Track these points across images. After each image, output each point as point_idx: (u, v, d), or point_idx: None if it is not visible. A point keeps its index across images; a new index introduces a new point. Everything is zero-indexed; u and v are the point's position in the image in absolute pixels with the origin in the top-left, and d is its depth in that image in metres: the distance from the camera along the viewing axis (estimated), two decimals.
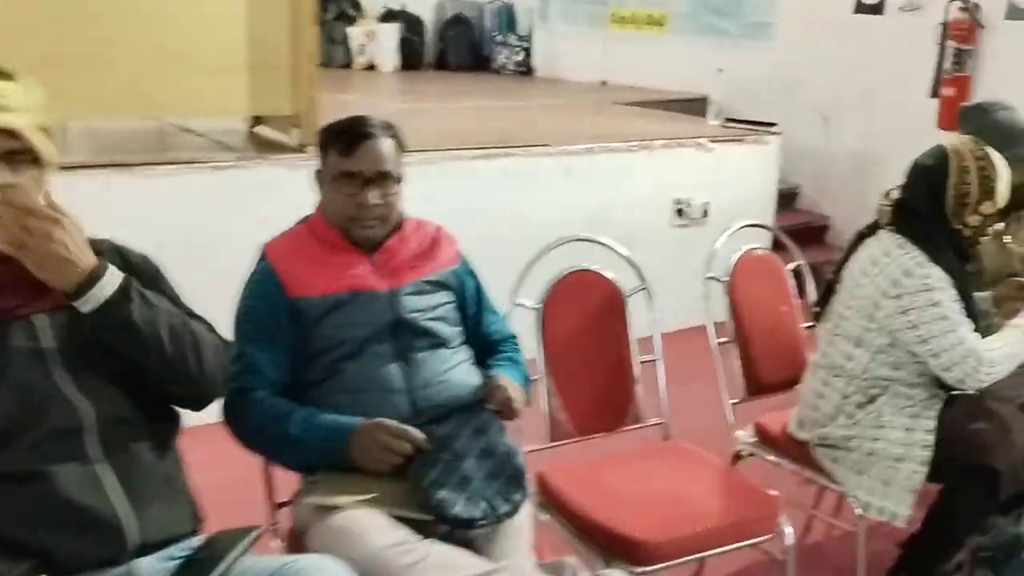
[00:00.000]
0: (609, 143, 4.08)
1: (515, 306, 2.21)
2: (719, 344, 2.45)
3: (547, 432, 2.21)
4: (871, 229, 2.24)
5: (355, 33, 7.75)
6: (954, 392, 2.17)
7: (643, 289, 2.35)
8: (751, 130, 4.62)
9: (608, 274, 2.32)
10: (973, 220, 2.14)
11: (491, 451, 1.70)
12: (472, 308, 1.95)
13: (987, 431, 2.12)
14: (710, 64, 6.43)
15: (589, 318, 2.28)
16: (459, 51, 8.21)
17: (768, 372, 2.47)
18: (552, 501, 2.02)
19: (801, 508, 2.61)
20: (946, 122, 4.89)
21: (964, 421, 2.14)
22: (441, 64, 8.30)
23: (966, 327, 2.08)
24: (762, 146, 4.58)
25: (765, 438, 2.35)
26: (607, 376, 2.28)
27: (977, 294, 2.22)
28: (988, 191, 2.11)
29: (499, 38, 8.07)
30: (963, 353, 2.04)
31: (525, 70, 8.08)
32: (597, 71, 7.38)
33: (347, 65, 7.89)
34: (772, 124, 4.70)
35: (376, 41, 7.73)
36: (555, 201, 3.92)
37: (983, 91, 4.85)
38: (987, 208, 2.13)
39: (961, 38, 4.78)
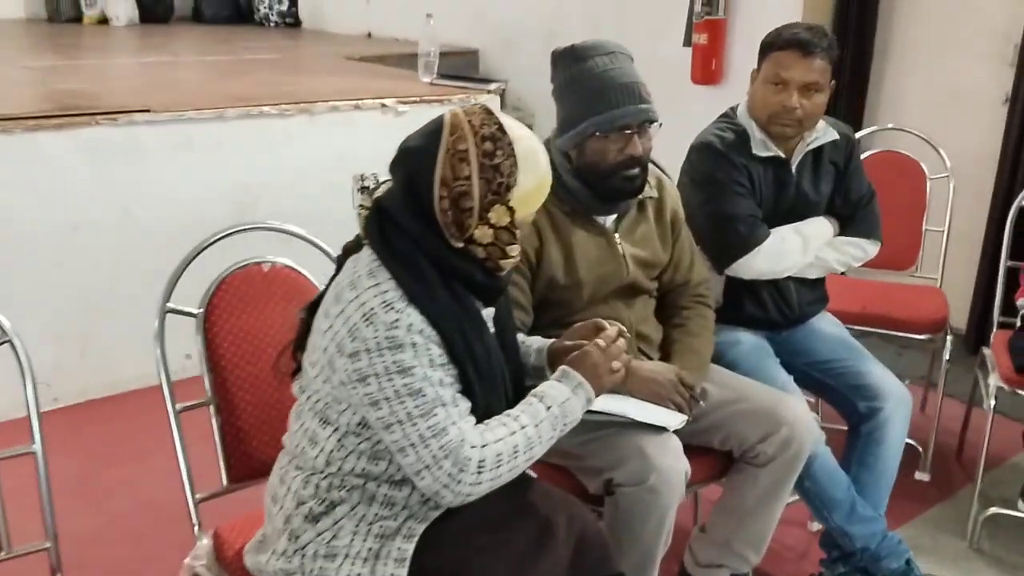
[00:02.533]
0: (249, 107, 3.21)
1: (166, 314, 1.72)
2: None
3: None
4: (358, 242, 1.46)
5: None
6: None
7: None
8: (461, 87, 3.83)
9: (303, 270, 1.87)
10: (482, 234, 1.37)
11: None
12: None
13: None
14: (476, 14, 5.65)
15: (275, 324, 1.78)
16: (215, 1, 7.14)
17: None
18: None
19: None
20: (700, 75, 4.22)
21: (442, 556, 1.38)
22: (197, 16, 7.23)
23: (454, 408, 1.32)
24: None
25: (221, 558, 1.56)
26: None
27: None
28: (496, 190, 1.35)
29: None
30: (439, 450, 1.29)
31: (292, 21, 7.09)
32: (362, 23, 6.48)
33: (77, 19, 6.74)
34: (491, 81, 3.91)
35: None
36: (176, 181, 3.05)
37: (742, 38, 4.18)
38: (498, 216, 1.36)
39: None
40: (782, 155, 2.17)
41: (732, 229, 2.10)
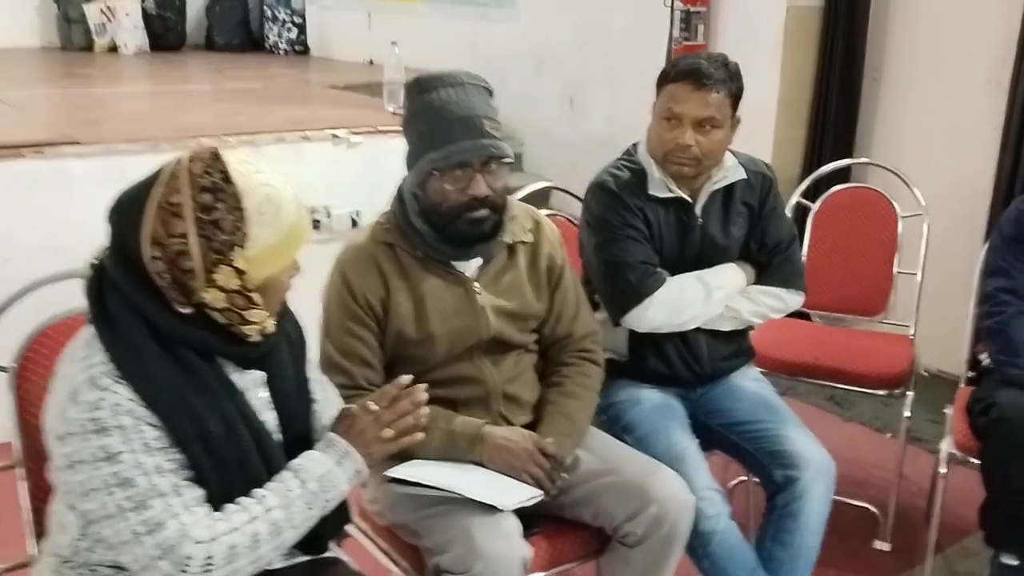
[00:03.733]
0: (186, 138, 3.11)
1: None
2: None
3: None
4: None
5: (91, 10, 6.67)
6: None
7: None
8: None
9: None
10: (213, 298, 1.20)
11: None
12: None
13: None
14: (464, 40, 5.55)
15: None
16: (226, 29, 7.16)
17: None
18: None
19: None
20: None
21: None
22: (210, 44, 7.26)
23: (176, 498, 1.16)
24: None
25: None
26: None
27: None
28: (219, 249, 1.18)
29: (270, 14, 7.05)
30: (154, 548, 1.13)
31: (301, 49, 7.07)
32: (364, 49, 6.42)
33: (89, 47, 6.82)
34: None
35: (116, 19, 6.66)
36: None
37: None
38: (225, 278, 1.18)
39: None
40: (685, 196, 1.97)
41: (622, 277, 1.91)
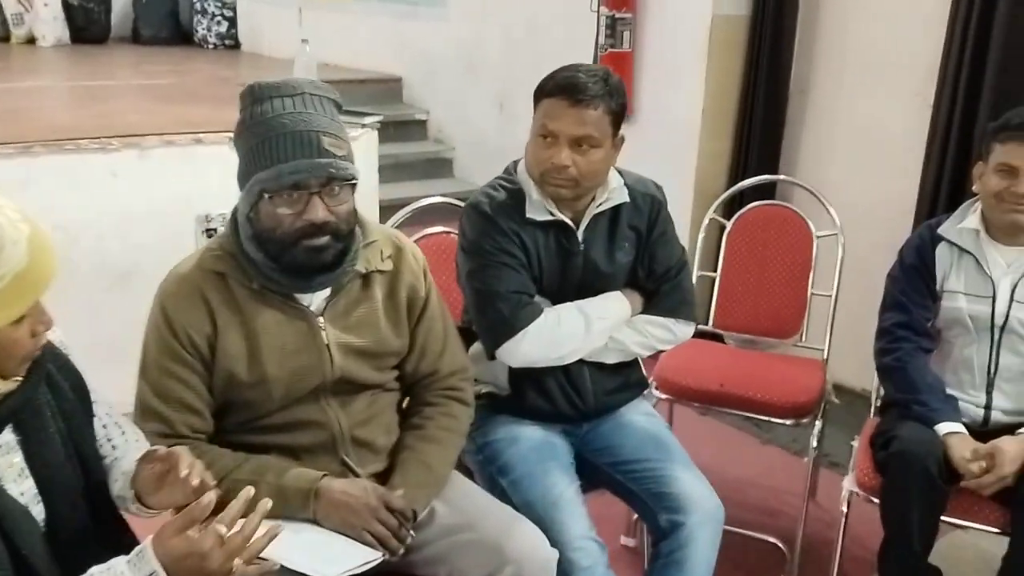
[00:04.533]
0: (63, 141, 2.90)
1: None
2: None
3: None
4: None
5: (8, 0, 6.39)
6: None
7: None
8: None
9: None
10: None
11: None
12: None
13: None
14: (395, 39, 5.39)
15: None
16: (154, 21, 6.91)
17: None
18: None
19: None
20: None
21: None
22: (136, 37, 7.00)
23: None
24: None
25: None
26: None
27: None
28: None
29: (200, 7, 6.80)
30: None
31: (232, 44, 6.85)
32: (294, 46, 6.21)
33: (6, 39, 6.53)
34: (368, 114, 3.59)
35: (34, 9, 6.37)
36: None
37: (651, 72, 3.87)
38: None
39: (615, 3, 3.76)
40: (566, 219, 1.82)
41: (494, 308, 1.76)
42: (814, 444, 2.42)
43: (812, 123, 3.67)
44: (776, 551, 2.56)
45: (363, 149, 3.48)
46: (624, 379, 1.96)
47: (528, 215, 1.80)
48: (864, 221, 3.21)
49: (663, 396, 2.55)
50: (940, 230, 2.10)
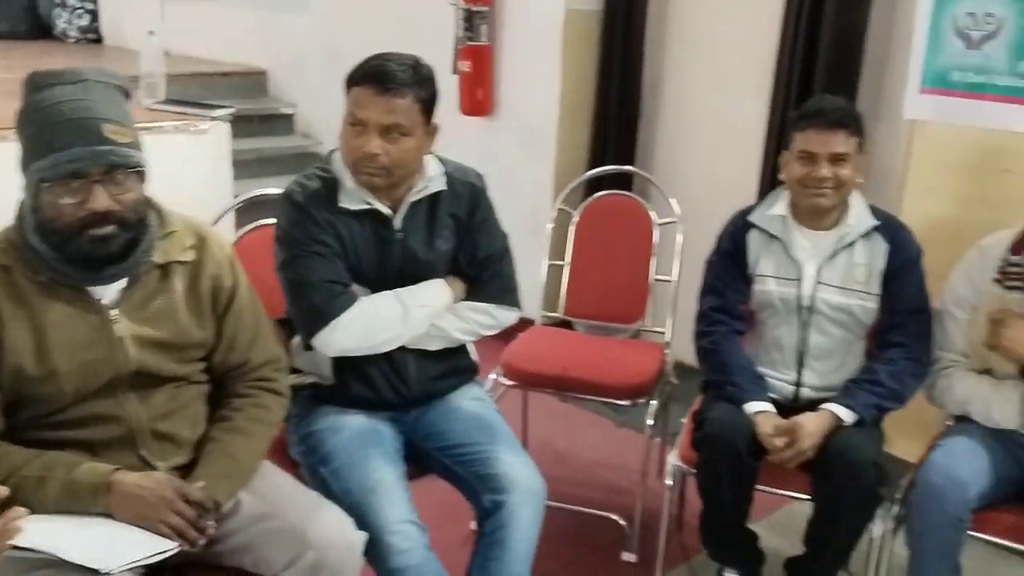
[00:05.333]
0: None
1: None
2: None
3: None
4: None
5: None
6: None
7: None
8: (182, 113, 3.43)
9: None
10: None
11: None
12: None
13: None
14: (259, 32, 5.29)
15: None
16: (10, 14, 6.58)
17: None
18: None
19: None
20: (468, 106, 3.92)
21: None
22: None
23: None
24: (194, 136, 3.39)
25: None
26: None
27: None
28: None
29: None
30: None
31: (95, 37, 6.58)
32: (159, 39, 6.02)
33: None
34: (220, 107, 3.52)
35: None
36: None
37: (511, 66, 3.92)
38: None
39: None
40: (382, 208, 1.84)
41: (307, 298, 1.76)
42: (650, 422, 2.50)
43: (666, 115, 3.79)
44: (620, 528, 2.64)
45: (213, 142, 3.42)
46: (450, 365, 1.98)
47: (342, 204, 1.80)
48: (713, 208, 3.32)
49: (508, 383, 2.59)
50: (750, 217, 2.20)
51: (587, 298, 2.92)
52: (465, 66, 3.85)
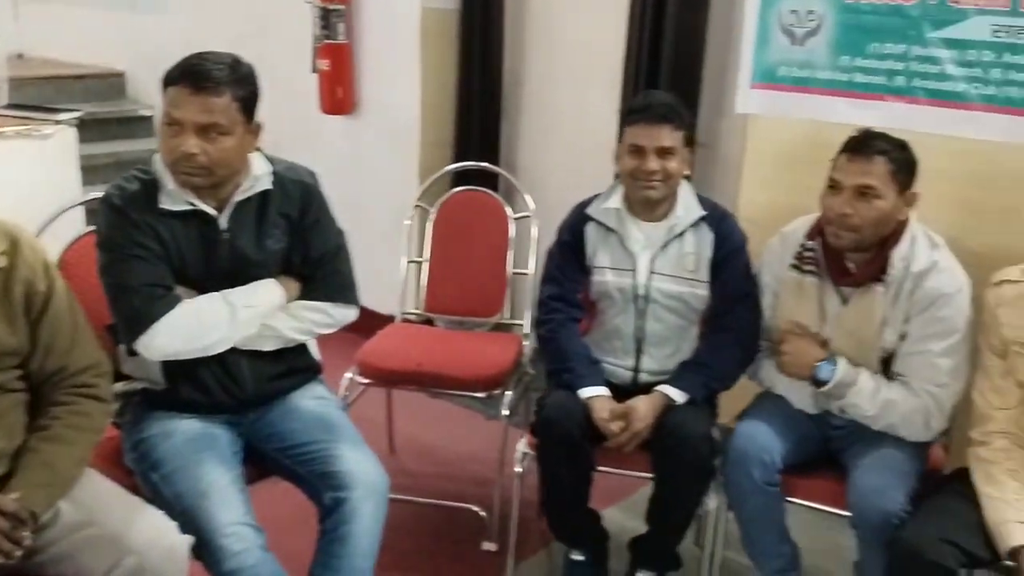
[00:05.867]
0: None
1: None
2: None
3: None
4: None
5: None
6: None
7: None
8: (25, 117, 3.30)
9: None
10: None
11: None
12: None
13: None
14: (118, 32, 5.12)
15: None
16: None
17: None
18: None
19: None
20: (329, 105, 3.90)
21: None
22: None
23: None
24: (38, 141, 3.26)
25: None
26: None
27: None
28: None
29: None
30: None
31: None
32: (12, 41, 5.75)
33: None
34: (66, 111, 3.41)
35: None
36: None
37: (372, 64, 3.91)
38: None
39: None
40: (207, 208, 1.82)
41: (127, 302, 1.74)
42: (506, 412, 2.55)
43: (528, 111, 3.86)
44: (480, 518, 2.69)
45: (58, 147, 3.30)
46: (288, 365, 1.98)
47: (163, 206, 1.78)
48: (575, 200, 3.41)
49: (364, 381, 2.60)
50: (588, 210, 2.27)
51: (447, 294, 2.96)
52: (324, 65, 3.82)
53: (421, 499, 2.78)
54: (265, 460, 1.94)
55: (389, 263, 3.02)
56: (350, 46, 3.84)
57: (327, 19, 3.74)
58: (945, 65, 2.46)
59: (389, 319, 2.95)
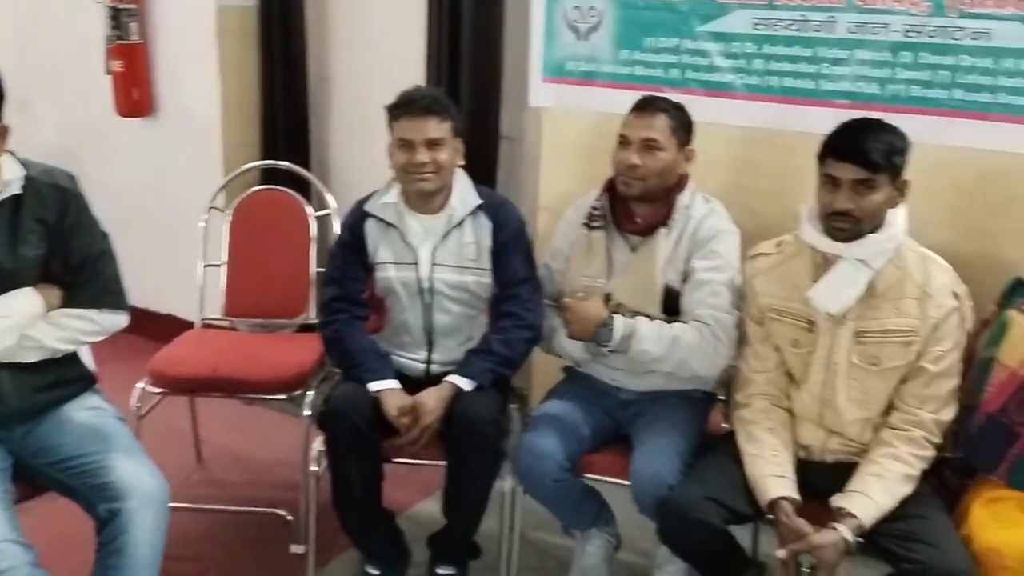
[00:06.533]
0: None
1: None
2: None
3: None
4: None
5: None
6: None
7: None
8: None
9: None
10: None
11: None
12: None
13: None
14: None
15: None
16: None
17: None
18: None
19: None
20: (124, 107, 3.73)
21: None
22: None
23: None
24: None
25: None
26: None
27: None
28: None
29: None
30: None
31: None
32: None
33: None
34: None
35: None
36: None
37: (169, 65, 3.77)
38: None
39: None
40: None
41: None
42: (307, 413, 2.51)
43: (338, 110, 3.82)
44: (288, 522, 2.65)
45: None
46: (56, 376, 1.89)
47: None
48: None
49: (157, 391, 2.51)
50: (367, 207, 2.28)
51: (248, 296, 2.90)
52: (117, 66, 3.66)
53: (230, 507, 2.71)
54: (38, 475, 1.85)
55: (191, 268, 2.93)
56: (145, 46, 3.70)
57: (118, 19, 3.58)
58: (714, 57, 2.62)
59: (186, 325, 2.87)
